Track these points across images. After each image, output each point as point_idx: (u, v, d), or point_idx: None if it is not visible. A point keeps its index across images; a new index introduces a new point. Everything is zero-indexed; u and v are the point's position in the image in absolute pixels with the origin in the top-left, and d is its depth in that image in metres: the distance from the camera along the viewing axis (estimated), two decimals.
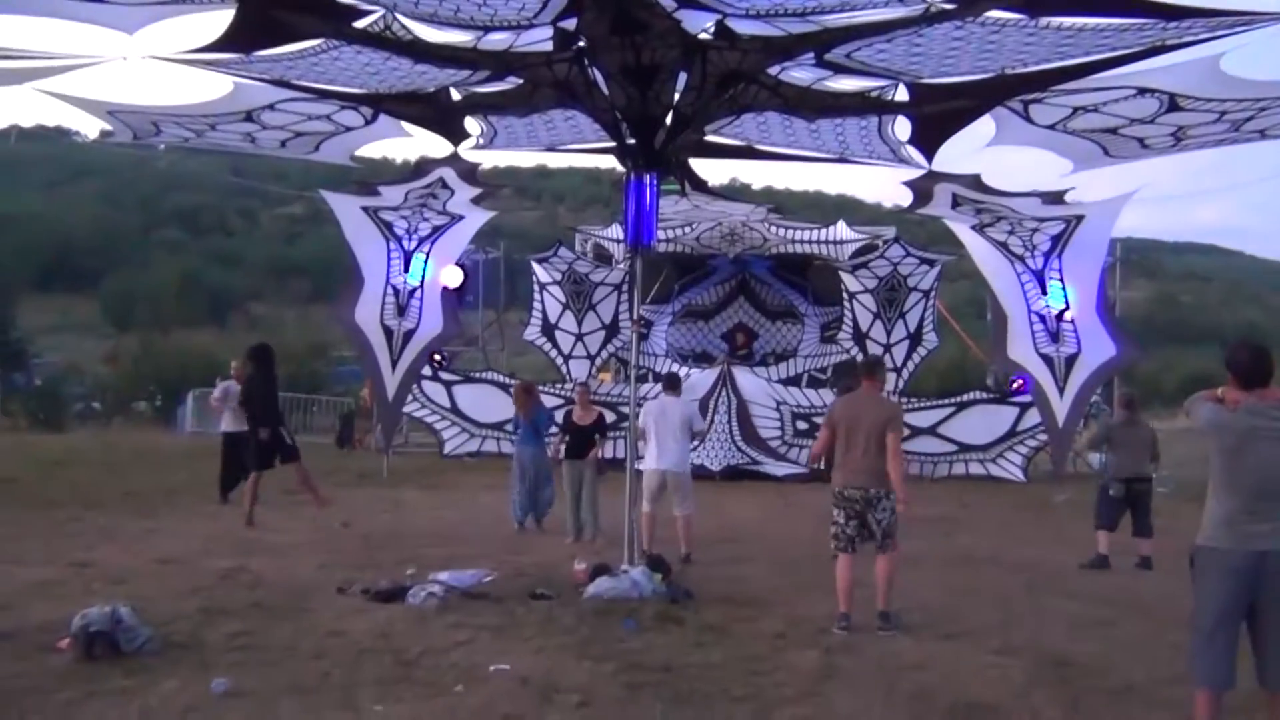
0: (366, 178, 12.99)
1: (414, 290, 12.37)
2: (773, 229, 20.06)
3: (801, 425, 19.13)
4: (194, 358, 35.57)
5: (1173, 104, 7.72)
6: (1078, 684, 5.70)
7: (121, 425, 30.02)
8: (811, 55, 7.44)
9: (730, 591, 8.05)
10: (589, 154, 10.54)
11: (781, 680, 5.63)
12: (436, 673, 5.58)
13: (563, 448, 11.15)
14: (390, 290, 12.32)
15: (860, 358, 20.29)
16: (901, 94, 8.19)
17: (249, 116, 9.06)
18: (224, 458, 13.13)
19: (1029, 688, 5.59)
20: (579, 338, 21.55)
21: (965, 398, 19.47)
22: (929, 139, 9.18)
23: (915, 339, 20.14)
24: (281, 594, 7.47)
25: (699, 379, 19.23)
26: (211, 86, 8.32)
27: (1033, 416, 17.83)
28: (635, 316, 9.19)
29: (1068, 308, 11.81)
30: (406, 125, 9.63)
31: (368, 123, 9.42)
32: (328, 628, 6.52)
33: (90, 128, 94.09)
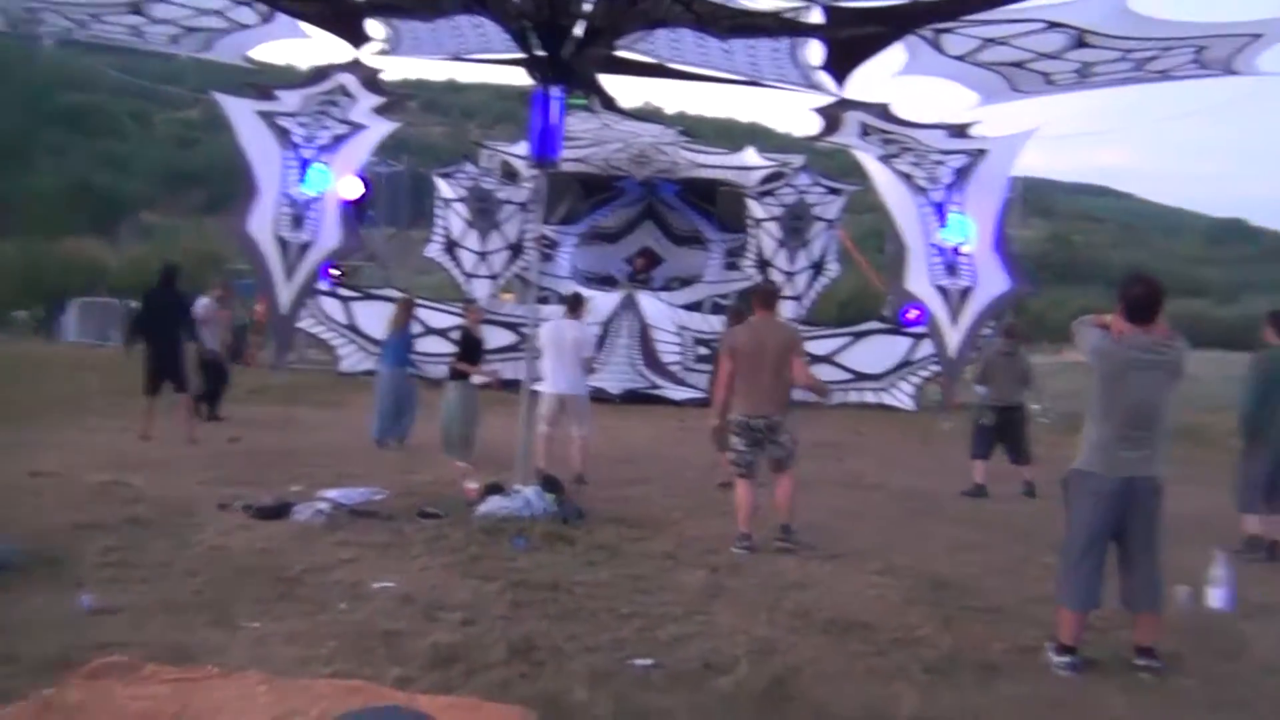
0: (264, 81, 12.44)
1: (311, 201, 11.95)
2: (682, 153, 19.93)
3: (703, 351, 19.21)
4: (79, 267, 34.17)
5: (1080, 40, 7.81)
6: (951, 603, 5.89)
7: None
8: None
9: (622, 512, 8.09)
10: (500, 66, 10.25)
11: (668, 599, 5.68)
12: (318, 590, 5.48)
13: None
14: (286, 200, 11.88)
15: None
16: (816, 16, 8.10)
17: (135, 8, 8.56)
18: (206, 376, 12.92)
19: (905, 606, 5.76)
20: (482, 256, 21.20)
21: (863, 328, 19.80)
22: (841, 65, 9.13)
23: (818, 268, 20.33)
24: (160, 509, 7.25)
25: (603, 302, 19.15)
26: None
27: (926, 347, 18.27)
28: (536, 232, 9.03)
29: (965, 241, 12.02)
30: (305, 26, 9.20)
31: (264, 21, 8.98)
32: (207, 544, 6.36)
33: None
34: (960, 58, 8.57)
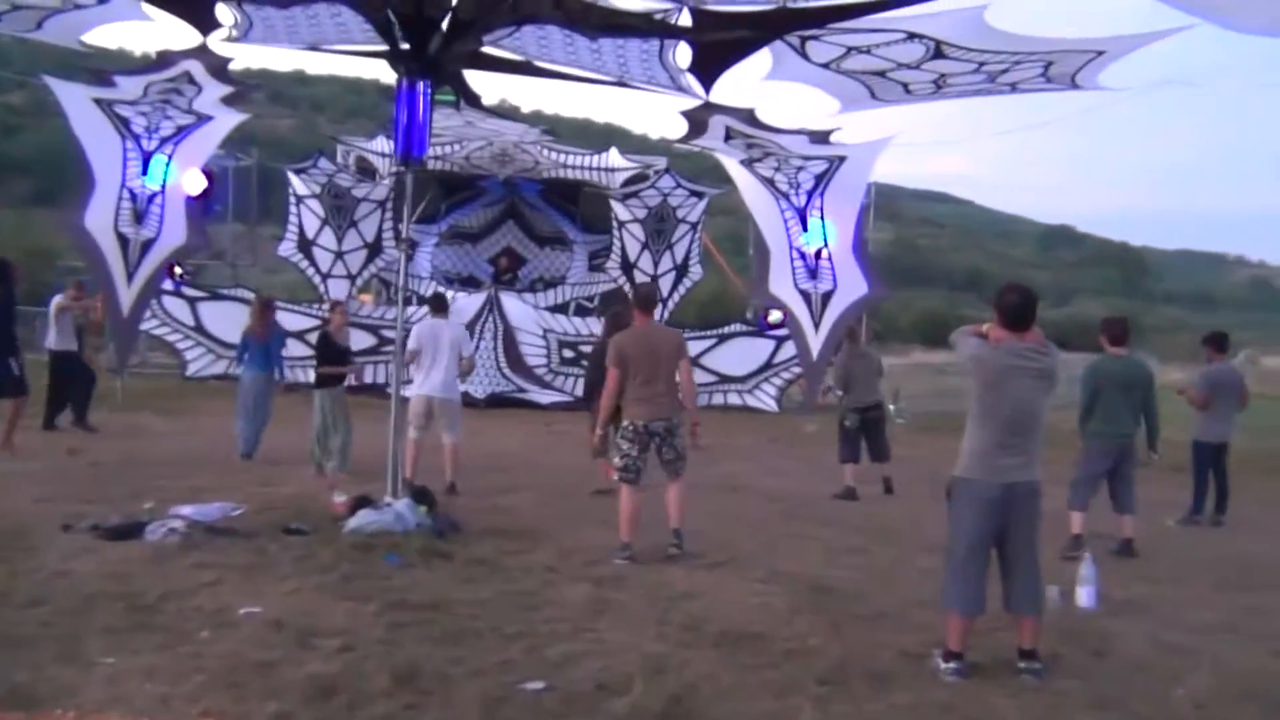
0: (101, 66, 11.64)
1: (153, 195, 11.26)
2: (545, 152, 19.71)
3: (568, 354, 19.09)
4: None
5: (938, 51, 7.98)
6: (836, 610, 5.90)
7: None
8: None
9: (498, 523, 7.86)
10: (353, 59, 9.87)
11: (553, 615, 5.51)
12: (178, 618, 5.09)
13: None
14: (126, 194, 11.16)
15: (628, 287, 20.48)
16: (685, 19, 8.06)
17: None
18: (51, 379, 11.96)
19: (792, 615, 5.73)
20: (339, 255, 20.50)
21: (726, 330, 19.99)
22: (708, 68, 9.13)
23: (681, 270, 20.43)
24: None
25: (465, 303, 18.79)
26: None
27: (788, 349, 18.57)
28: (405, 234, 8.68)
29: (826, 245, 12.24)
30: (147, 7, 8.59)
31: (102, 0, 8.35)
32: (50, 569, 5.83)
33: None
34: (824, 65, 8.67)
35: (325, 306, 17.07)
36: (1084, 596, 6.26)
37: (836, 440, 10.73)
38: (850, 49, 8.24)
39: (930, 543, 7.70)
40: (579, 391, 18.44)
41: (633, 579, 6.42)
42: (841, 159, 11.63)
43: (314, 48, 10.04)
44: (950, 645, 4.92)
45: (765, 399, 19.34)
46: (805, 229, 12.32)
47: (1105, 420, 8.13)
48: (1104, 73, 7.93)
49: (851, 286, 12.33)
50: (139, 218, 11.26)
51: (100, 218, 11.01)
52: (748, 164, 12.13)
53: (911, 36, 7.80)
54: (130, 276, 11.47)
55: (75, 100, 10.78)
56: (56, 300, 12.48)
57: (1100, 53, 7.63)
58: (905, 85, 8.93)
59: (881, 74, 8.70)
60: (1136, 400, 8.16)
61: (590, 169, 20.14)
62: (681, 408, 7.22)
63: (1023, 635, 4.99)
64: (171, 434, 12.33)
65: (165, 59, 9.96)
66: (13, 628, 4.77)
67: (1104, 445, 8.16)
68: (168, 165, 11.28)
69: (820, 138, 10.96)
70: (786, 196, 12.34)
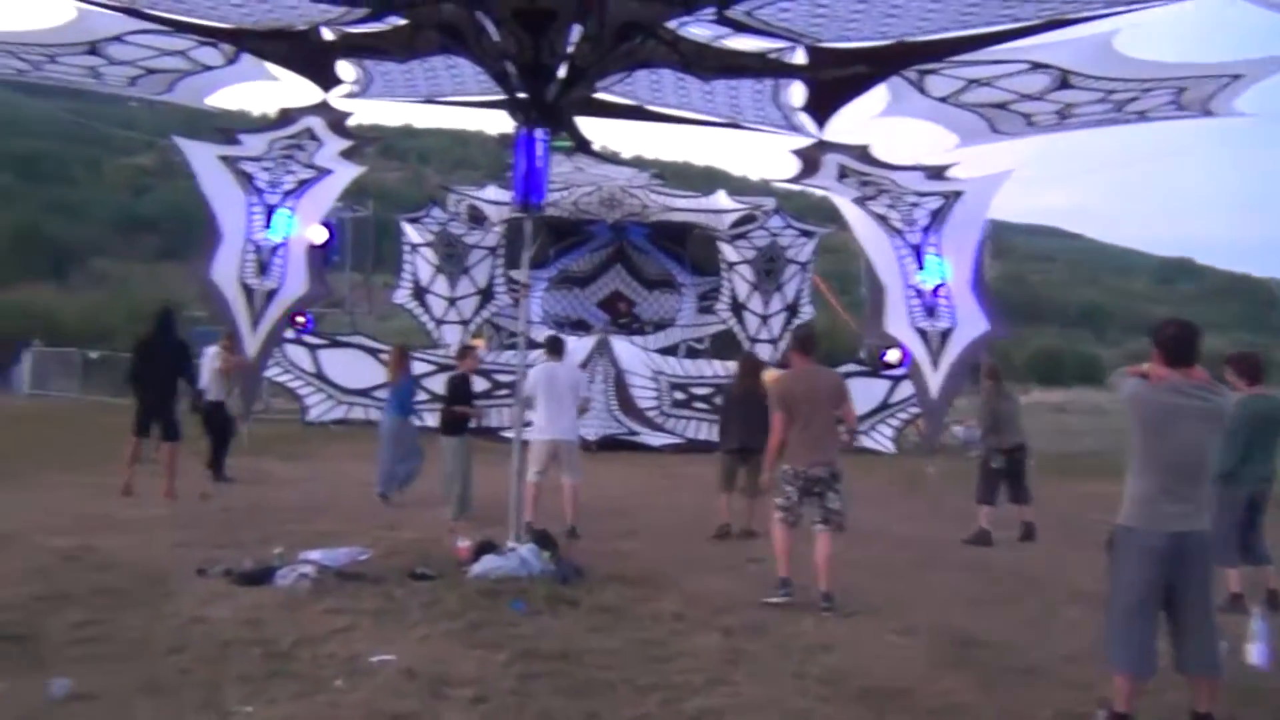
0: (227, 125, 12.10)
1: (276, 247, 11.58)
2: (653, 196, 19.79)
3: (679, 395, 18.98)
4: (31, 315, 33.29)
5: (1063, 80, 7.72)
6: (983, 664, 5.59)
7: None
8: (713, 10, 7.12)
9: (621, 569, 7.73)
10: (460, 112, 10.01)
11: (686, 667, 5.33)
12: (313, 665, 5.07)
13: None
14: (251, 247, 11.51)
15: (738, 328, 20.35)
16: (800, 57, 7.96)
17: (93, 49, 8.19)
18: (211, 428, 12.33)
19: (937, 669, 5.45)
20: (452, 302, 20.87)
21: (840, 370, 19.59)
22: (823, 106, 8.99)
23: (792, 310, 20.21)
24: (133, 577, 6.77)
25: (575, 346, 18.85)
26: (51, 13, 7.46)
27: (905, 389, 18.14)
28: (526, 278, 8.70)
29: (943, 283, 11.91)
30: (272, 67, 8.87)
31: (229, 62, 8.63)
32: (187, 615, 5.90)
33: None
34: (943, 99, 8.46)
35: (450, 352, 17.36)
36: (1255, 654, 5.79)
37: (974, 481, 10.34)
38: (970, 82, 8.04)
39: (1076, 591, 7.34)
40: (691, 433, 18.41)
41: (763, 628, 6.21)
42: (958, 194, 11.34)
43: (431, 100, 10.23)
44: (1117, 707, 4.57)
45: (882, 440, 18.88)
46: (921, 266, 12.03)
47: (1246, 463, 7.51)
48: (1240, 98, 7.55)
49: (971, 324, 11.98)
50: (263, 269, 11.59)
51: (226, 269, 11.38)
52: (860, 202, 11.92)
53: (1036, 67, 7.56)
54: (255, 325, 11.81)
55: (203, 158, 11.21)
56: (211, 351, 12.71)
57: (1237, 77, 7.27)
58: (1028, 117, 8.66)
59: (1002, 106, 8.45)
60: (1273, 441, 7.57)
61: (698, 211, 20.14)
62: (841, 451, 7.05)
63: (1199, 698, 4.61)
64: (295, 479, 12.53)
65: (287, 116, 10.27)
66: (155, 676, 4.80)
67: (1241, 491, 7.47)
68: (290, 218, 11.60)
69: (936, 173, 10.72)
70: (901, 234, 12.08)
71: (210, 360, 12.51)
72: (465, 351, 11.00)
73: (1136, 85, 7.61)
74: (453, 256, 20.84)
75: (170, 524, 8.84)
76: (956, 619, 6.59)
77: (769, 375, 12.02)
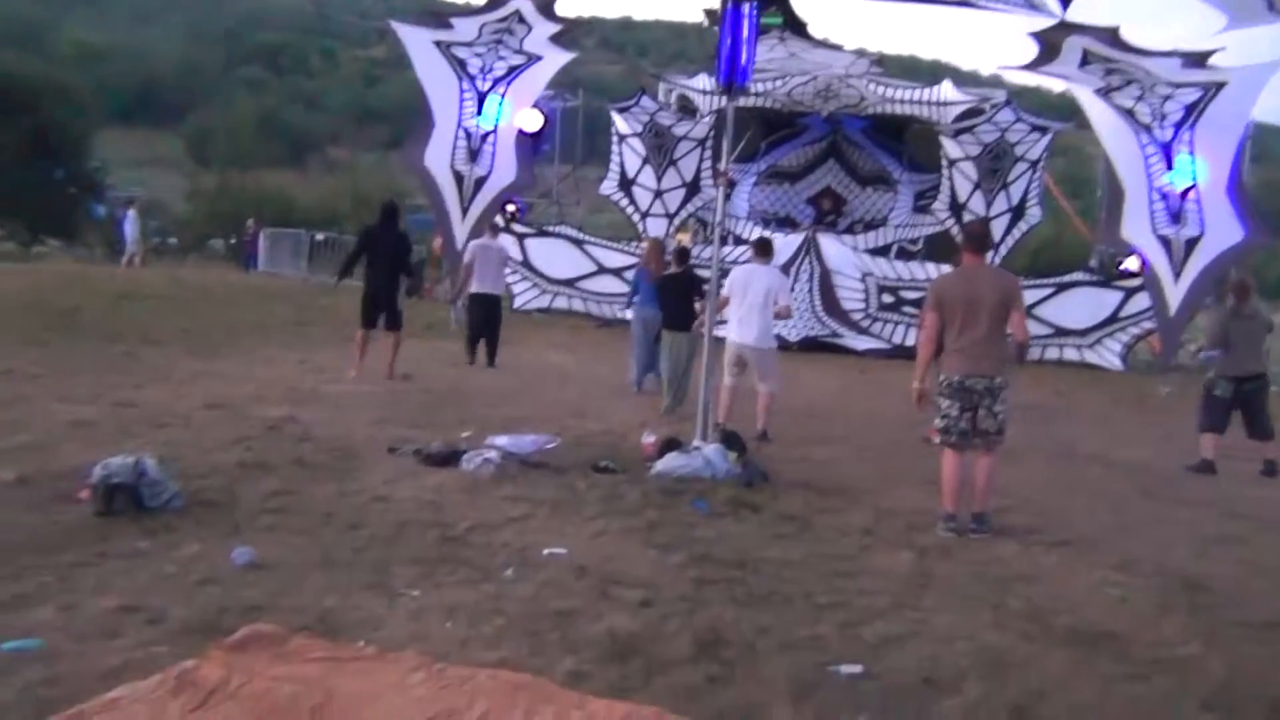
0: (441, 9, 12.06)
1: (487, 134, 11.54)
2: (872, 87, 18.73)
3: (887, 299, 18.16)
4: (269, 198, 35.41)
5: None
6: (1213, 615, 4.92)
7: (195, 262, 30.03)
8: None
9: (810, 476, 7.37)
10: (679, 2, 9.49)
11: (870, 587, 4.95)
12: (485, 553, 5.00)
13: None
14: (462, 133, 11.51)
15: (957, 230, 19.18)
16: None
17: None
18: (469, 320, 12.75)
19: (1157, 615, 4.83)
20: (658, 194, 20.58)
21: (1066, 279, 18.21)
22: None
23: (1018, 212, 18.76)
24: (329, 450, 6.96)
25: (782, 245, 18.25)
26: None
27: (1138, 302, 16.69)
28: (725, 167, 8.25)
29: (1194, 185, 10.66)
30: None
31: None
32: (372, 492, 5.98)
33: None
34: None
35: (640, 245, 17.17)
36: None
37: (1199, 405, 9.33)
38: None
39: None
40: (898, 339, 17.62)
41: (960, 552, 5.74)
42: (1220, 85, 9.98)
43: None
44: None
45: (1109, 356, 17.49)
46: (1170, 167, 10.77)
47: None
48: None
49: (1224, 232, 10.66)
50: (474, 156, 11.60)
51: (439, 156, 11.42)
52: (1104, 93, 10.69)
53: None
54: (465, 212, 11.92)
55: (418, 44, 11.19)
56: (472, 245, 12.71)
57: None
58: None
59: None
60: None
61: (921, 103, 18.90)
62: (1008, 364, 6.26)
63: None
64: (496, 364, 12.70)
65: None
66: (332, 550, 4.85)
67: None
68: (500, 104, 11.51)
69: (1197, 61, 9.44)
70: (1149, 130, 10.78)
71: (468, 258, 12.33)
72: (683, 254, 10.68)
73: None
74: (660, 148, 20.46)
75: (372, 402, 9.08)
76: (1181, 559, 5.88)
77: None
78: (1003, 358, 6.23)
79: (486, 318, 12.46)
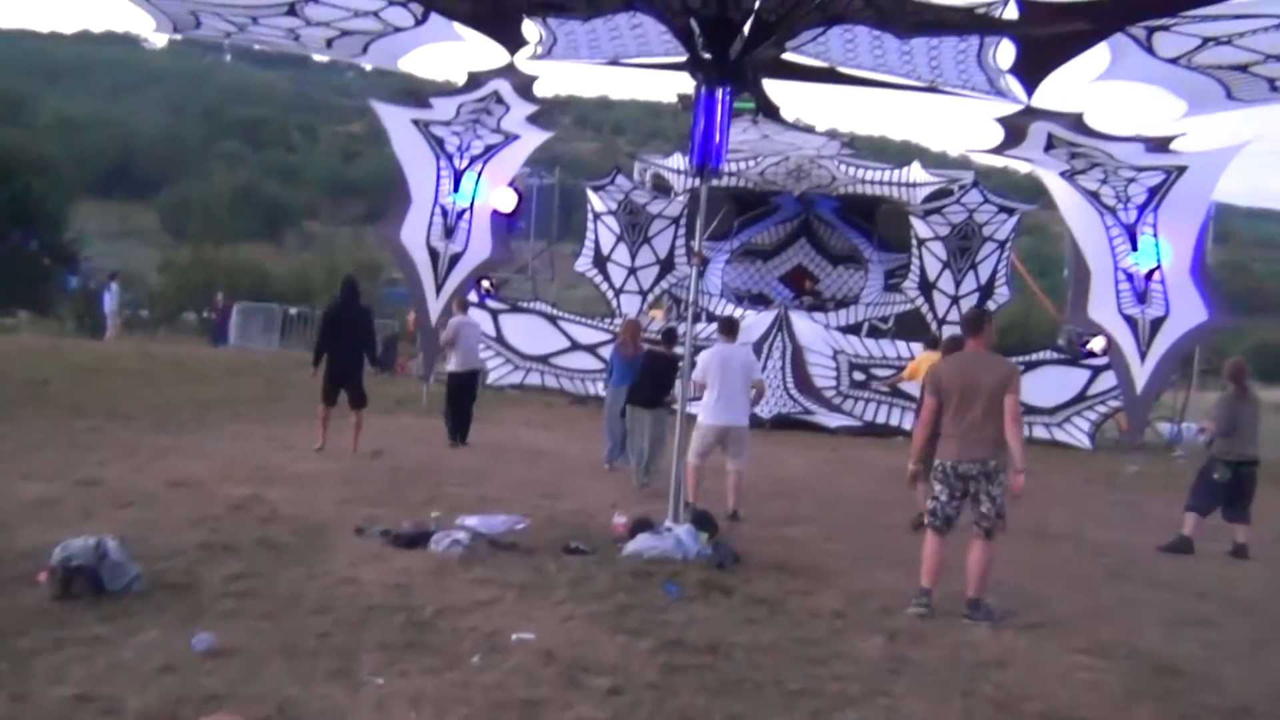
0: (420, 89, 12.26)
1: (463, 211, 11.69)
2: (843, 167, 19.06)
3: (858, 376, 18.27)
4: (245, 271, 35.40)
5: None
6: (1184, 698, 4.92)
7: (167, 335, 29.86)
8: None
9: (782, 557, 7.34)
10: (654, 83, 9.74)
11: (842, 672, 4.90)
12: (451, 638, 4.92)
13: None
14: (438, 210, 11.67)
15: (926, 308, 19.41)
16: (1011, 11, 7.25)
17: (291, 9, 8.34)
18: (450, 399, 12.49)
19: (1128, 699, 4.82)
20: (632, 271, 20.77)
21: (1035, 357, 18.40)
22: (1033, 68, 8.23)
23: (986, 292, 19.06)
24: (295, 531, 6.87)
25: (755, 321, 18.42)
26: None
27: (1105, 381, 16.89)
28: (698, 247, 8.34)
29: (1158, 267, 10.89)
30: (459, 28, 8.83)
31: (418, 22, 8.64)
32: (339, 575, 5.89)
33: (158, 37, 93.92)
34: (1173, 60, 7.57)
35: (615, 322, 17.27)
36: None
37: (1193, 485, 9.36)
38: (1207, 40, 7.14)
39: None
40: (869, 416, 17.70)
41: (933, 635, 5.70)
42: (1182, 169, 10.28)
43: (615, 61, 10.00)
44: None
45: (1077, 434, 17.63)
46: (1135, 248, 11.03)
47: None
48: None
49: (1188, 313, 10.95)
50: (449, 232, 11.72)
51: (415, 232, 11.57)
52: (1069, 176, 10.98)
53: None
54: (440, 288, 11.97)
55: (397, 122, 11.39)
56: (453, 322, 12.50)
57: None
58: (1272, 81, 7.66)
59: (1244, 68, 7.49)
60: None
61: (891, 184, 19.25)
62: (1005, 451, 6.17)
63: None
64: (468, 441, 12.62)
65: (475, 80, 10.27)
66: (295, 636, 4.76)
67: None
68: (477, 182, 11.66)
69: (1159, 145, 9.72)
70: (1114, 212, 11.10)
71: (449, 335, 12.30)
72: (670, 335, 10.68)
73: None
74: (635, 225, 20.72)
75: (340, 480, 8.99)
76: (1153, 641, 5.88)
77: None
78: (999, 441, 6.17)
79: (468, 395, 12.38)
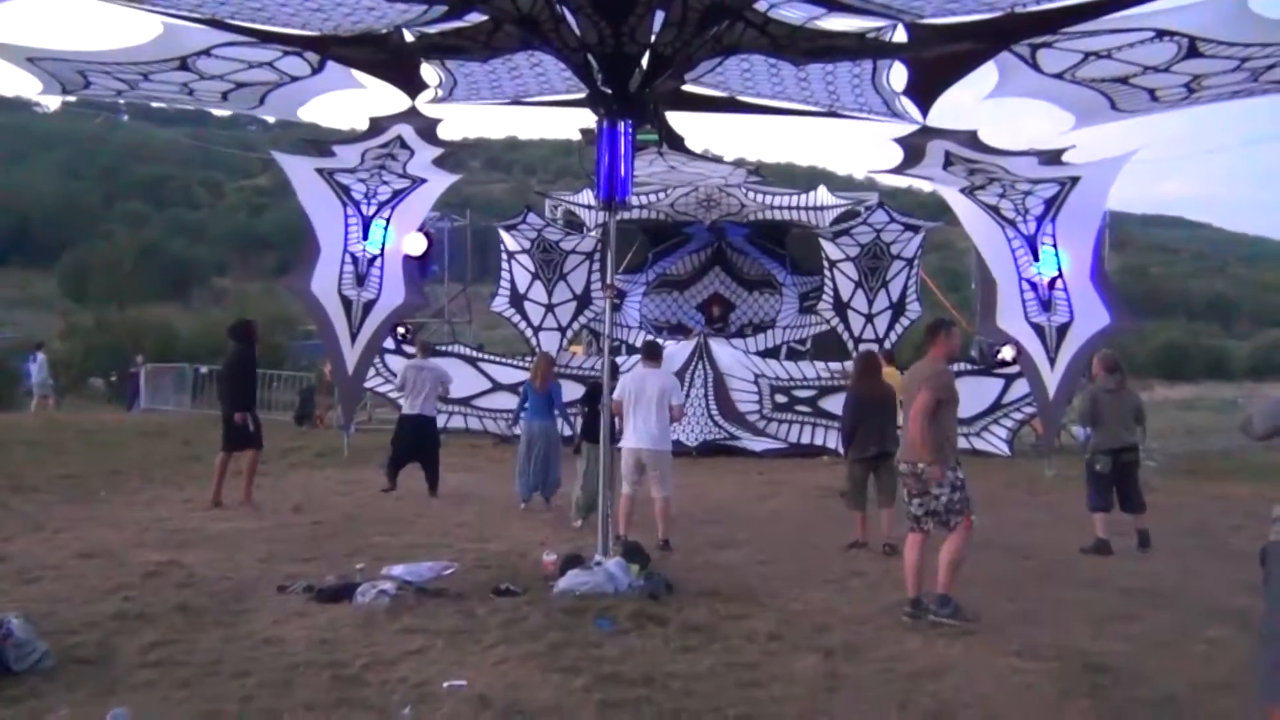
0: (322, 139, 12.11)
1: (374, 258, 11.54)
2: (751, 195, 19.29)
3: (780, 399, 18.42)
4: (151, 333, 34.50)
5: (1192, 48, 7.02)
6: (1114, 694, 5.01)
7: (73, 402, 28.88)
8: None
9: (715, 583, 7.32)
10: (560, 113, 9.72)
11: (779, 694, 4.90)
12: (381, 691, 4.80)
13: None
14: (349, 258, 11.49)
15: (842, 328, 19.70)
16: (900, 35, 7.44)
17: (184, 64, 8.17)
18: (393, 441, 12.34)
19: (1062, 700, 4.90)
20: (549, 308, 20.71)
21: (952, 369, 18.78)
22: (926, 89, 8.44)
23: (898, 309, 19.41)
24: (214, 594, 6.65)
25: (675, 351, 18.47)
26: (140, 28, 7.45)
27: (1019, 388, 17.27)
28: (610, 280, 8.34)
29: (1060, 275, 11.21)
30: (358, 75, 8.75)
31: (315, 71, 8.53)
32: (261, 635, 5.72)
33: (51, 99, 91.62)
34: (1058, 75, 7.83)
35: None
36: None
37: (1085, 485, 9.62)
38: (1088, 54, 7.39)
39: (1215, 608, 6.69)
40: (793, 438, 17.84)
41: (868, 649, 5.73)
42: (1075, 180, 10.61)
43: (518, 101, 10.00)
44: None
45: (996, 442, 17.96)
46: (1036, 258, 11.33)
47: None
48: None
49: (1091, 318, 11.24)
50: (361, 280, 11.56)
51: (326, 282, 11.37)
52: (969, 192, 11.27)
53: (1161, 34, 6.89)
54: (354, 337, 11.78)
55: (301, 172, 11.20)
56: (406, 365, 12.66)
57: None
58: (1152, 92, 7.96)
59: (1124, 80, 7.77)
60: None
61: (799, 209, 19.55)
62: (940, 452, 6.67)
63: None
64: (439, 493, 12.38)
65: (377, 126, 10.18)
66: (217, 702, 4.59)
67: None
68: (385, 229, 11.54)
69: (1051, 158, 10.04)
70: (1014, 224, 11.39)
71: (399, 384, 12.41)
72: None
73: (1276, 50, 6.90)
74: (550, 263, 20.69)
75: (261, 538, 8.75)
76: (1081, 640, 5.99)
77: (888, 372, 11.57)
78: (924, 444, 6.54)
79: (419, 443, 12.14)
